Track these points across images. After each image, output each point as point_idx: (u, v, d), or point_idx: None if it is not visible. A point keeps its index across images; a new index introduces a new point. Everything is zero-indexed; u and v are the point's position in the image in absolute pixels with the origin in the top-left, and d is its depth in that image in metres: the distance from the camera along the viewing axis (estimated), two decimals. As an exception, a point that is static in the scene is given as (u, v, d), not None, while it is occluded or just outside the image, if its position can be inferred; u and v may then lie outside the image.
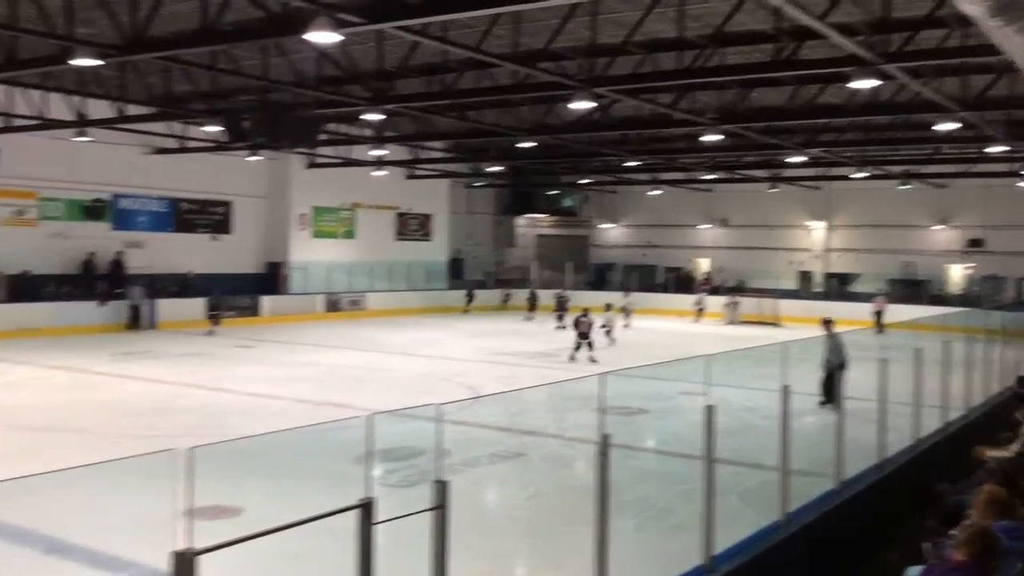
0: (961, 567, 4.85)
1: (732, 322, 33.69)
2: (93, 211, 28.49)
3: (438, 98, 20.38)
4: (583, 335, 21.52)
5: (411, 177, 37.70)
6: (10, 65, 17.10)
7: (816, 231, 40.33)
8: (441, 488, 4.63)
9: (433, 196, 39.61)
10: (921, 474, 9.55)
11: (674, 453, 11.97)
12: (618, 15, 16.25)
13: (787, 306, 33.88)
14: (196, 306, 28.05)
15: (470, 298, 37.14)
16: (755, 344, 14.11)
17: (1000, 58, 11.99)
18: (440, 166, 36.12)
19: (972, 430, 12.00)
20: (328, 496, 4.47)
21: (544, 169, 38.30)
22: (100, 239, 28.22)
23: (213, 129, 26.06)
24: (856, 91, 18.79)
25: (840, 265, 39.49)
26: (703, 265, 42.40)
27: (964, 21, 12.42)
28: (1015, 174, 32.00)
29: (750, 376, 13.53)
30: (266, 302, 31.70)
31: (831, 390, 13.39)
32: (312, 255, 34.14)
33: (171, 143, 28.29)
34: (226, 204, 32.38)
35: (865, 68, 14.21)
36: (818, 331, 16.08)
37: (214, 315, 27.66)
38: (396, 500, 4.60)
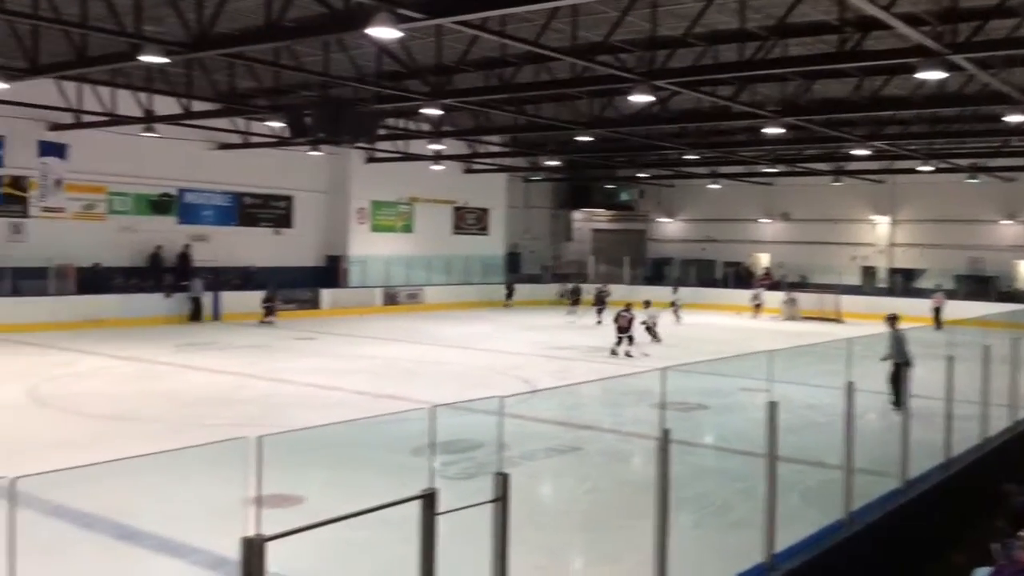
0: (1031, 570, 4.74)
1: (791, 318, 33.20)
2: (160, 205, 29.16)
3: (496, 92, 20.44)
4: (622, 329, 21.35)
5: (469, 171, 37.80)
6: (80, 62, 17.52)
7: (880, 225, 39.50)
8: (502, 480, 4.64)
9: (490, 190, 39.69)
10: (989, 474, 9.36)
11: (733, 450, 11.85)
12: (678, 7, 16.12)
13: (850, 302, 33.23)
14: (258, 299, 28.49)
15: (510, 293, 37.12)
16: (815, 340, 13.91)
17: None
18: (497, 160, 36.16)
19: (1042, 430, 11.70)
20: (386, 487, 4.52)
21: (601, 163, 38.12)
22: (166, 233, 28.85)
23: (276, 125, 26.55)
24: (922, 83, 18.39)
25: (905, 260, 38.63)
26: (763, 260, 41.83)
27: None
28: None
29: (812, 373, 13.36)
30: (326, 295, 32.11)
31: (899, 389, 13.14)
32: (371, 249, 34.47)
33: (235, 139, 28.78)
34: (288, 199, 32.86)
35: (932, 59, 13.87)
36: (882, 328, 15.78)
37: (268, 307, 28.12)
38: (455, 492, 4.62)
